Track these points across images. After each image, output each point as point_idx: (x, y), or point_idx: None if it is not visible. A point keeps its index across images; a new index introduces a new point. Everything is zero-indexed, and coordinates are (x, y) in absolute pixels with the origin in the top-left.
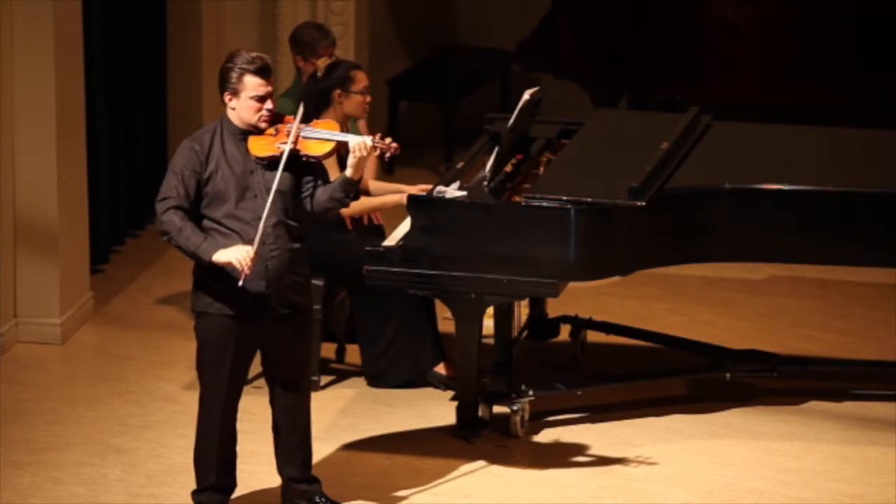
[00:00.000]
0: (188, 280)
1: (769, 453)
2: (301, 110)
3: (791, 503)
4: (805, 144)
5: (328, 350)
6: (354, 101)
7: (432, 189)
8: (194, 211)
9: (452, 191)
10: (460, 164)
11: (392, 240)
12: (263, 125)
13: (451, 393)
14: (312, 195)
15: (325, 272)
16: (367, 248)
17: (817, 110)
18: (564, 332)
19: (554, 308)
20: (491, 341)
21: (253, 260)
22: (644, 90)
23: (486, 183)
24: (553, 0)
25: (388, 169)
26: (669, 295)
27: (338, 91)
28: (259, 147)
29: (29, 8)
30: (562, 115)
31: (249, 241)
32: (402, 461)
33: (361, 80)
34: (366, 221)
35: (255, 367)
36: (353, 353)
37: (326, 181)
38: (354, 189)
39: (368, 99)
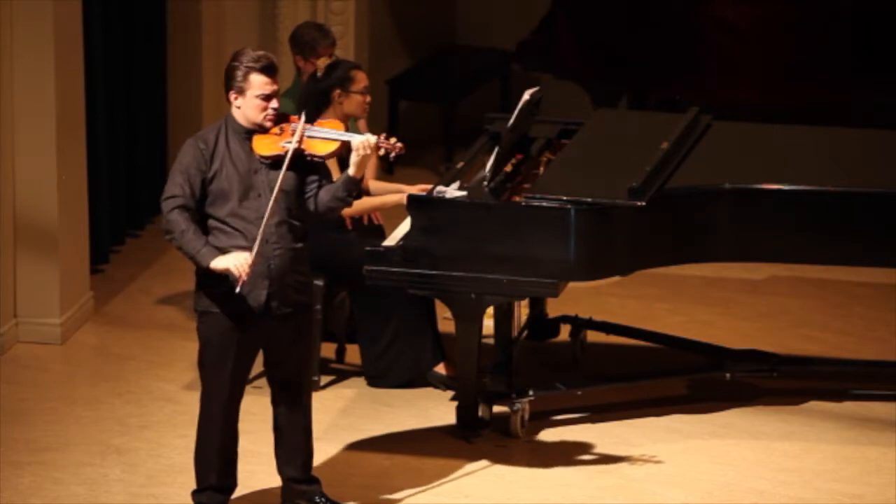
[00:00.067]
0: (188, 280)
1: (769, 453)
2: (305, 110)
3: (791, 503)
4: (805, 144)
5: (328, 350)
6: (354, 101)
7: (432, 189)
8: (199, 209)
9: (452, 191)
10: (460, 164)
11: (392, 240)
12: (269, 124)
13: (451, 393)
14: (316, 195)
15: (325, 272)
16: (367, 248)
17: (817, 110)
18: (564, 332)
19: (554, 308)
20: (491, 341)
21: (254, 260)
22: (644, 90)
23: (486, 183)
24: (553, 0)
25: (388, 169)
26: (669, 295)
27: (338, 91)
28: (264, 146)
29: (29, 8)
30: (562, 115)
31: (252, 240)
32: (402, 461)
33: (361, 79)
34: (366, 221)
35: (256, 366)
36: (353, 353)
37: (330, 181)
38: (357, 188)
39: (368, 99)
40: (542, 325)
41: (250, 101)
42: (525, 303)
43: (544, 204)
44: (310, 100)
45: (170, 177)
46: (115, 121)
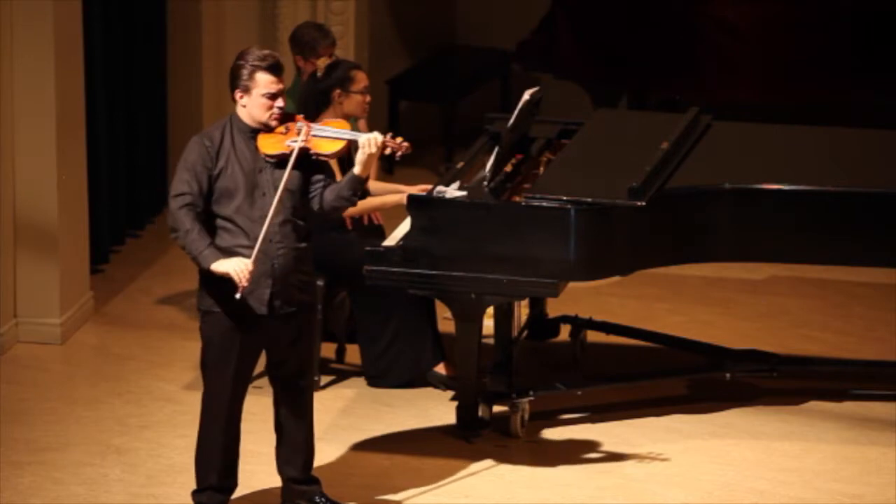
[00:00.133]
0: (188, 280)
1: (769, 453)
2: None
3: (791, 503)
4: (805, 144)
5: (328, 350)
6: (354, 101)
7: (432, 189)
8: (205, 207)
9: (452, 191)
10: (460, 164)
11: (392, 240)
12: (274, 123)
13: (451, 393)
14: (321, 194)
15: (325, 272)
16: (367, 248)
17: (817, 110)
18: (564, 332)
19: (554, 308)
20: (491, 341)
21: (257, 259)
22: (644, 90)
23: (486, 183)
24: (553, 0)
25: (389, 169)
26: (669, 295)
27: (338, 91)
28: (269, 145)
29: (29, 8)
30: (562, 115)
31: (255, 239)
32: (402, 461)
33: (361, 79)
34: (366, 221)
35: (257, 366)
36: (353, 353)
37: (334, 181)
38: (362, 187)
39: (368, 99)
40: (542, 325)
41: (256, 100)
42: (525, 303)
43: (544, 204)
44: (310, 100)
45: (176, 174)
46: (115, 121)
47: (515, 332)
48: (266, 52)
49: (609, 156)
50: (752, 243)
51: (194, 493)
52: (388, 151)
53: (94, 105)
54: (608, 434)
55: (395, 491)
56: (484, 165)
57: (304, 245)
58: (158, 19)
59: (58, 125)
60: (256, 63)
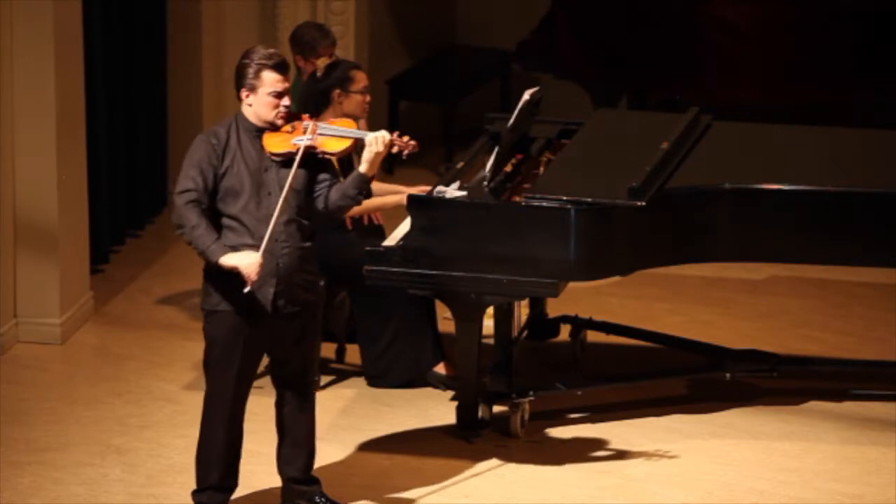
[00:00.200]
0: (188, 280)
1: (769, 453)
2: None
3: (791, 503)
4: (805, 144)
5: (328, 350)
6: (354, 101)
7: (432, 189)
8: (210, 205)
9: (452, 191)
10: (460, 164)
11: (392, 240)
12: (280, 122)
13: (451, 393)
14: (326, 194)
15: (325, 272)
16: (367, 248)
17: (817, 110)
18: (564, 332)
19: (554, 308)
20: (491, 341)
21: (262, 257)
22: (644, 90)
23: (486, 183)
24: (553, 0)
25: (389, 169)
26: (669, 295)
27: (337, 91)
28: (275, 144)
29: (29, 8)
30: (562, 115)
31: (260, 239)
32: (402, 461)
33: (361, 79)
34: (366, 221)
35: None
36: (353, 353)
37: (339, 180)
38: (368, 186)
39: (368, 99)
40: (542, 325)
41: (262, 99)
42: (525, 303)
43: (544, 204)
44: (309, 100)
45: (182, 171)
46: (115, 121)
47: (515, 332)
48: (272, 50)
49: (609, 156)
50: (752, 243)
51: (194, 493)
52: (395, 150)
53: (94, 105)
54: (608, 434)
55: (396, 491)
56: (484, 165)
57: (308, 245)
58: (158, 19)
59: (58, 125)
60: (263, 61)
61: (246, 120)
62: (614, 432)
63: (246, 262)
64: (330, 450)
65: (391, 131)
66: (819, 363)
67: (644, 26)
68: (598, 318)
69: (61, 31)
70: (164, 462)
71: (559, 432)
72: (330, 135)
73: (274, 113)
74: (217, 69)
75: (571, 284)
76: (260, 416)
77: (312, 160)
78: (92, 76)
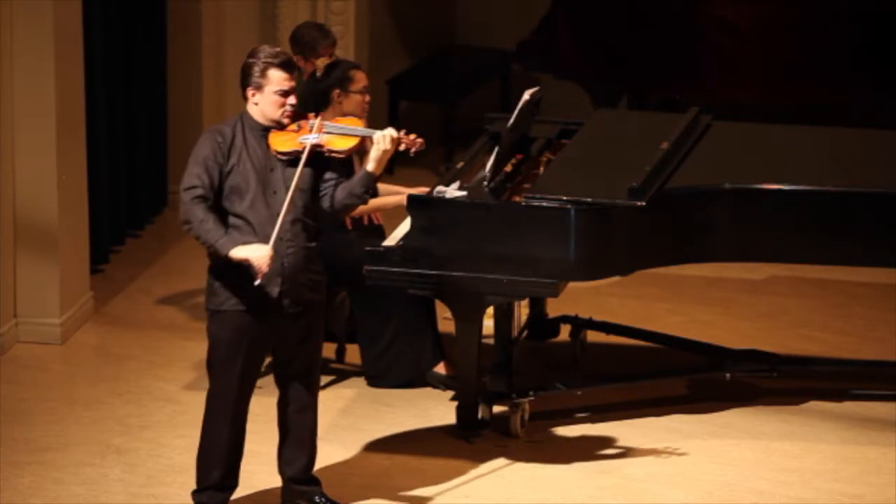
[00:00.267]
0: (188, 280)
1: (769, 453)
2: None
3: (791, 503)
4: (805, 144)
5: (328, 350)
6: (354, 101)
7: (432, 189)
8: (215, 203)
9: (452, 191)
10: (460, 164)
11: (392, 240)
12: (286, 121)
13: (451, 393)
14: (332, 193)
15: (325, 272)
16: (367, 248)
17: (817, 110)
18: (564, 332)
19: (554, 308)
20: (491, 341)
21: (270, 257)
22: (644, 90)
23: (486, 183)
24: (553, 0)
25: (389, 169)
26: (669, 295)
27: (337, 91)
28: (281, 142)
29: (29, 8)
30: (562, 115)
31: (266, 238)
32: (402, 461)
33: (361, 79)
34: (366, 221)
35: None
36: (353, 353)
37: (345, 179)
38: (374, 185)
39: (368, 99)
40: (542, 325)
41: (268, 97)
42: (525, 303)
43: (544, 204)
44: (309, 100)
45: (187, 168)
46: (115, 121)
47: (515, 332)
48: (278, 49)
49: (609, 156)
50: (752, 243)
51: (194, 493)
52: (402, 147)
53: (94, 105)
54: (608, 434)
55: (396, 491)
56: (484, 165)
57: (313, 244)
58: (158, 19)
59: (58, 125)
60: (269, 60)
61: (252, 119)
62: (614, 432)
63: (257, 254)
64: (330, 450)
65: (398, 129)
66: (819, 363)
67: (644, 26)
68: (598, 318)
69: (61, 31)
70: (164, 462)
71: (559, 432)
72: (337, 133)
73: (280, 112)
74: (217, 69)
75: (571, 284)
76: (260, 416)
77: (318, 159)
78: (92, 76)
